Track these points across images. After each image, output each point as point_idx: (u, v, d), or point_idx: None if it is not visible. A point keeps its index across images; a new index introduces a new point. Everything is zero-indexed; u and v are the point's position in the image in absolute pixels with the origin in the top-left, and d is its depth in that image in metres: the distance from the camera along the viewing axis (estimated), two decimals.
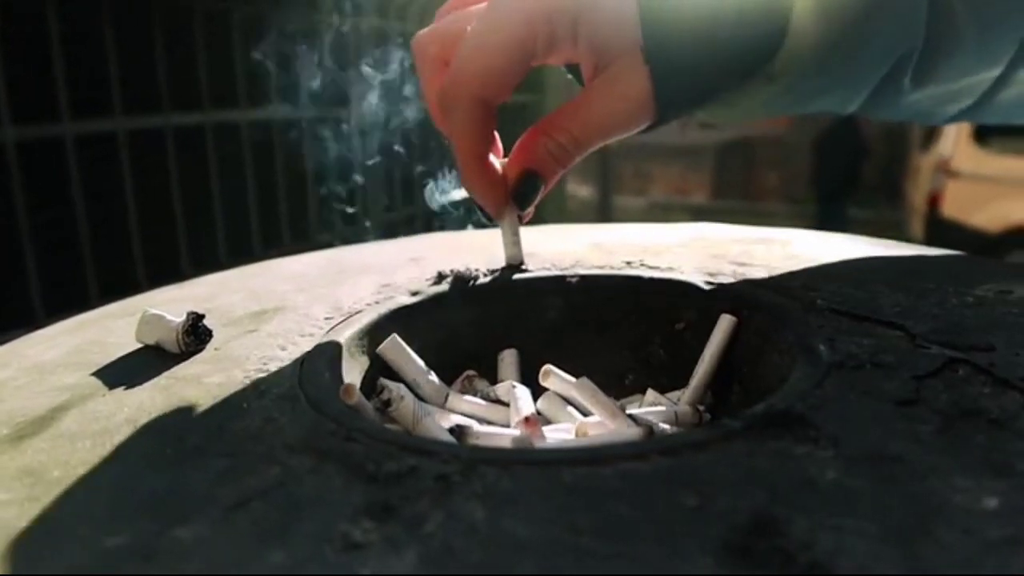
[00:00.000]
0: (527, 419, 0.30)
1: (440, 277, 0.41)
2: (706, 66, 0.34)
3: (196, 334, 0.34)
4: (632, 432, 0.28)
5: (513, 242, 0.40)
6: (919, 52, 0.34)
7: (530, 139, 0.36)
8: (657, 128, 0.37)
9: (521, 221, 0.40)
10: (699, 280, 0.38)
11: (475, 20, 0.35)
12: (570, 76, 0.40)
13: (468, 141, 0.35)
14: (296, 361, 0.31)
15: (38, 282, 1.12)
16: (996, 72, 0.36)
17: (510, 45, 0.33)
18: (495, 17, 0.34)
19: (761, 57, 0.35)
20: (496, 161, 0.37)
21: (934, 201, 4.38)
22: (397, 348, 0.34)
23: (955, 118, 0.40)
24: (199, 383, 0.30)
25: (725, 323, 0.34)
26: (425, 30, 0.38)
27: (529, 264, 0.42)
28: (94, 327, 0.39)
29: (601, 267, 0.41)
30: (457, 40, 0.36)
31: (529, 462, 0.22)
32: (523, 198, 0.36)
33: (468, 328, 0.39)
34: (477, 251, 0.47)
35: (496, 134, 0.37)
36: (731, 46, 0.34)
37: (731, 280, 0.38)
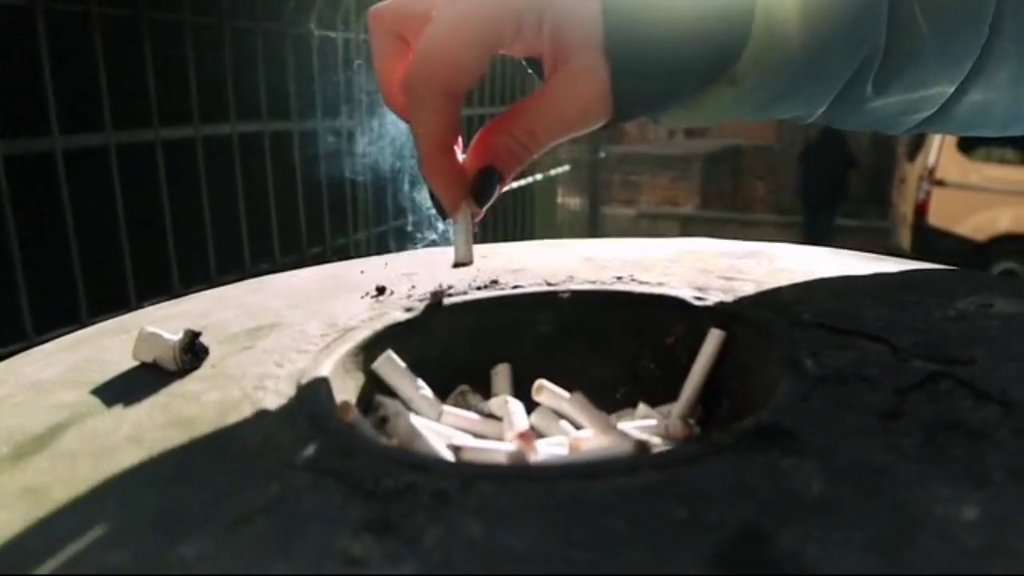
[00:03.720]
0: (521, 434, 0.30)
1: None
2: (668, 66, 0.34)
3: (193, 351, 0.34)
4: (624, 446, 0.28)
5: (466, 241, 0.38)
6: (880, 59, 0.35)
7: (489, 134, 0.35)
8: (614, 127, 0.36)
9: (474, 220, 0.38)
10: (689, 295, 0.39)
11: (440, 2, 0.34)
12: (530, 71, 0.40)
13: (437, 132, 0.34)
14: (293, 378, 0.32)
15: (28, 296, 1.12)
16: (955, 83, 0.37)
17: (480, 34, 0.33)
18: (464, 3, 0.33)
19: (724, 59, 0.35)
20: (459, 153, 0.36)
21: (921, 210, 4.43)
22: (392, 365, 0.34)
23: (915, 128, 0.41)
24: (197, 400, 0.30)
25: (714, 338, 0.35)
26: (383, 4, 0.37)
27: (521, 279, 0.43)
28: (90, 345, 0.39)
29: (592, 282, 0.42)
30: (417, 18, 0.35)
31: (524, 477, 0.23)
32: (481, 194, 0.35)
33: (461, 343, 0.39)
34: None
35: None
36: (694, 47, 0.34)
37: (720, 295, 0.38)
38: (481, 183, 0.35)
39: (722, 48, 0.35)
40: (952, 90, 0.37)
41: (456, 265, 0.38)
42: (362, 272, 0.48)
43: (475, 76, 0.34)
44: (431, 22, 0.34)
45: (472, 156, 0.36)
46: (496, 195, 0.36)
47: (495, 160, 0.35)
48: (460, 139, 0.36)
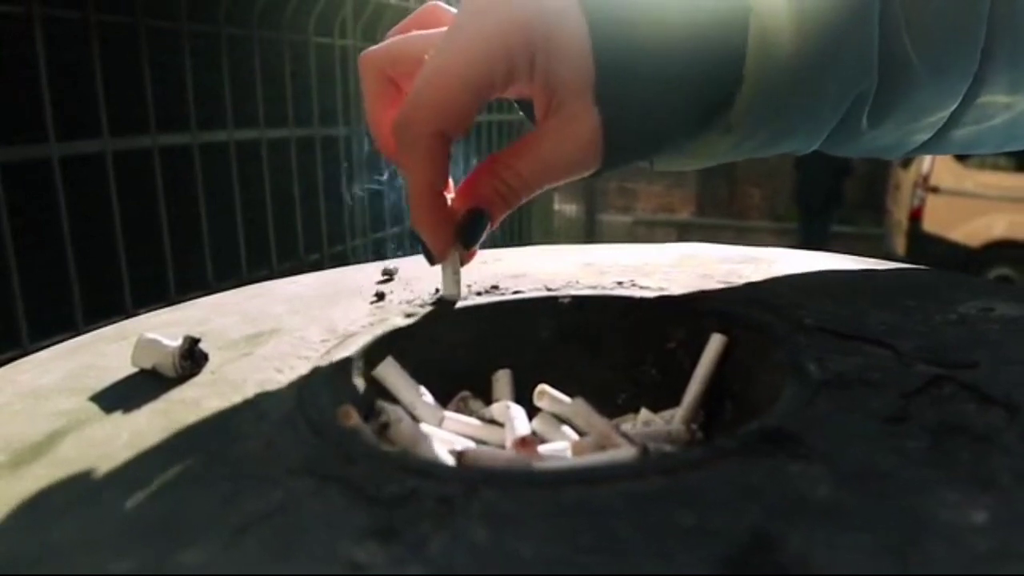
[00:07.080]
0: (524, 440, 0.30)
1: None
2: (659, 116, 0.34)
3: (192, 358, 0.34)
4: (627, 452, 0.28)
5: (454, 281, 0.39)
6: (873, 94, 0.35)
7: (479, 177, 0.35)
8: (604, 174, 0.36)
9: (463, 261, 0.39)
10: (689, 300, 0.38)
11: (432, 46, 0.34)
12: (522, 113, 0.40)
13: (425, 176, 0.34)
14: (293, 384, 0.32)
15: (23, 303, 1.12)
16: (950, 109, 0.37)
17: (472, 78, 0.32)
18: (455, 47, 0.33)
19: (715, 106, 0.35)
20: (448, 198, 0.36)
21: (915, 216, 4.44)
22: (392, 371, 0.34)
23: (914, 152, 0.41)
24: (197, 407, 0.30)
25: (716, 342, 0.35)
26: (374, 48, 0.37)
27: (521, 285, 0.43)
28: (88, 351, 0.39)
29: (593, 287, 0.42)
30: (408, 62, 0.35)
31: (529, 483, 0.23)
32: (469, 237, 0.36)
33: (462, 349, 0.39)
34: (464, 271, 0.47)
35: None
36: (686, 95, 0.34)
37: (720, 299, 0.38)
38: (468, 225, 0.35)
39: (715, 94, 0.34)
40: (947, 116, 0.37)
41: (442, 300, 0.39)
42: (360, 277, 0.48)
43: (466, 121, 0.34)
44: (424, 66, 0.33)
45: (460, 196, 0.36)
46: (484, 236, 0.36)
47: (483, 203, 0.35)
48: (451, 181, 0.36)
